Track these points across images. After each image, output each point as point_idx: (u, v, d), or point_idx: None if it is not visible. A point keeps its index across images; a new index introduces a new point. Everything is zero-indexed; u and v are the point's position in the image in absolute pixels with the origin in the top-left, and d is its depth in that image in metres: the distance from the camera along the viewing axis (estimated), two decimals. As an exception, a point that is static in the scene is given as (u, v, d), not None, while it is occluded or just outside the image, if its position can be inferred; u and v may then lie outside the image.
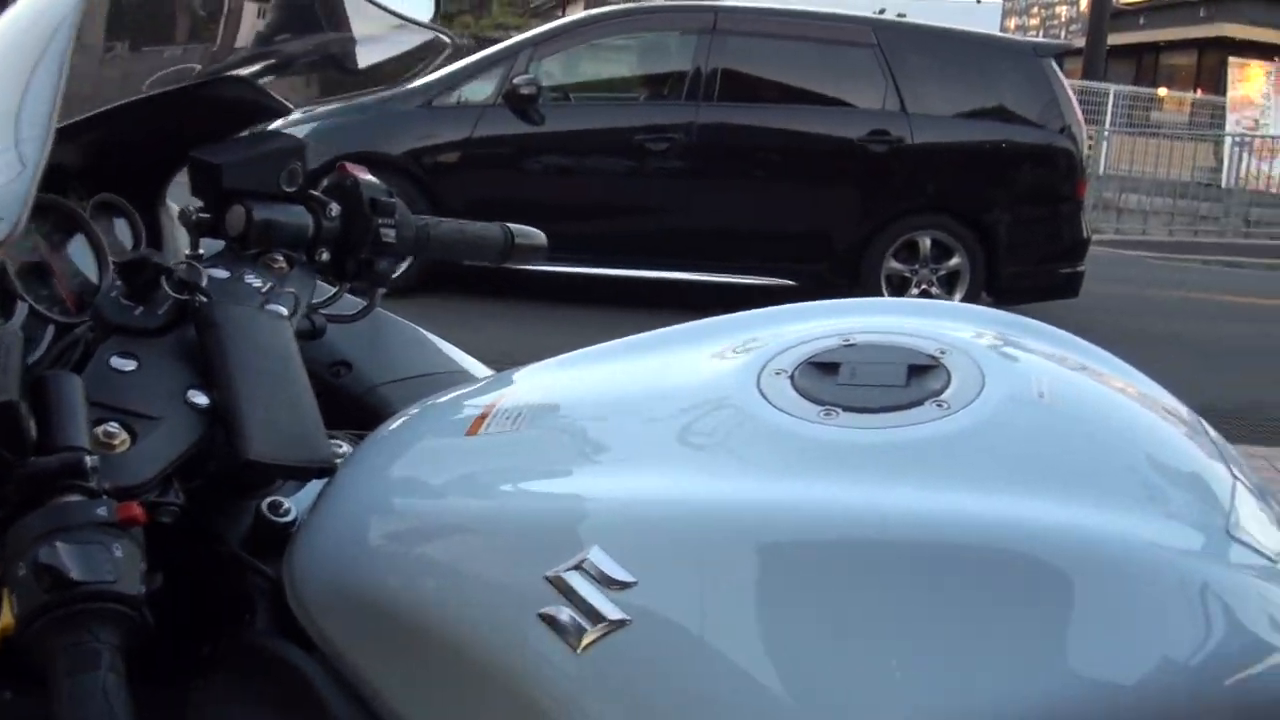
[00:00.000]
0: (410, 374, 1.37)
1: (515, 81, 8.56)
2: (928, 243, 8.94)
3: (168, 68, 1.31)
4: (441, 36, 1.38)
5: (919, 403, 0.94)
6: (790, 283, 8.81)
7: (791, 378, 0.98)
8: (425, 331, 1.47)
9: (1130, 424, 1.00)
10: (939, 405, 0.93)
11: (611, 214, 8.89)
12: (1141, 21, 34.98)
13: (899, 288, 8.90)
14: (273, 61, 1.37)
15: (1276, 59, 25.20)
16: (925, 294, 8.83)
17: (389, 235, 1.30)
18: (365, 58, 1.42)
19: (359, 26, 1.36)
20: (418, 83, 9.12)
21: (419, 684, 0.90)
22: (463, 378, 1.36)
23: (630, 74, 9.98)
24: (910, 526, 0.84)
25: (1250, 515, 0.92)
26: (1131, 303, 11.49)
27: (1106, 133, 21.29)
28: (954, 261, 8.92)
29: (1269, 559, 0.89)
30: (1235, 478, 0.96)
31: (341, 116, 8.85)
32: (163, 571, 0.94)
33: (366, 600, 0.94)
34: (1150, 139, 21.45)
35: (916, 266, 8.93)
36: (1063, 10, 39.07)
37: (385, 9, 1.33)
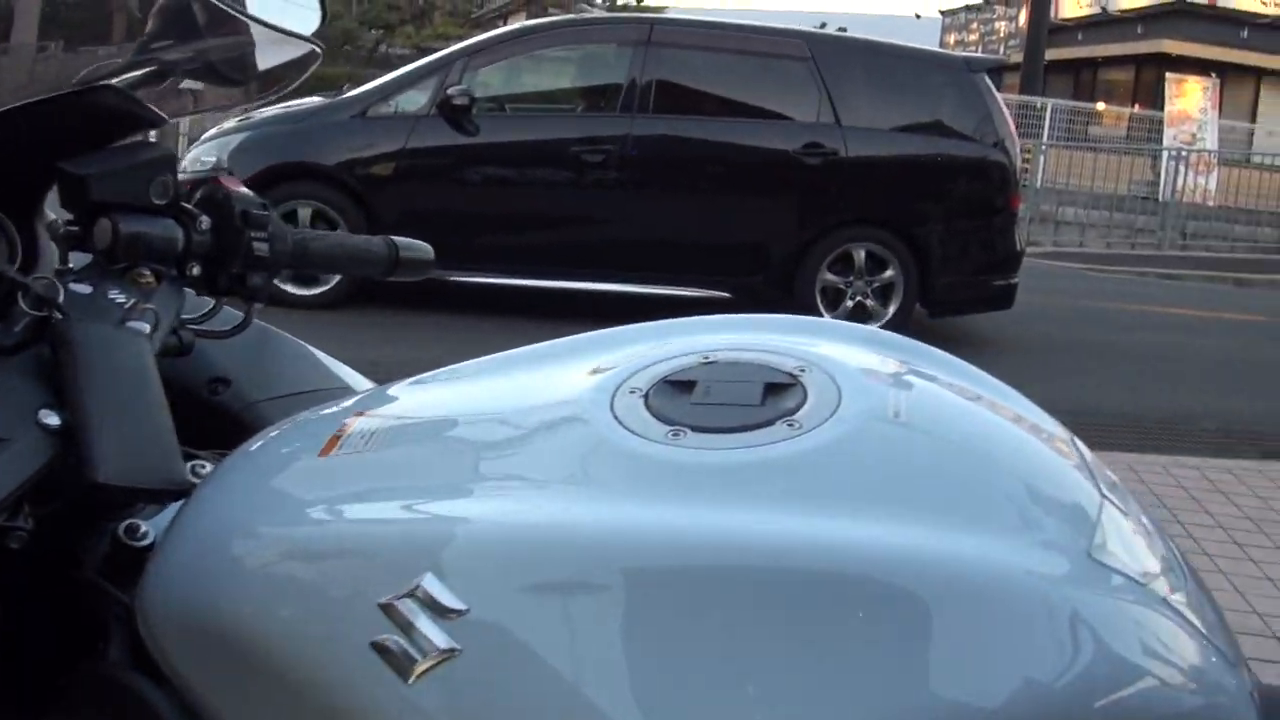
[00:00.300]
0: (290, 391, 1.34)
1: (449, 92, 8.51)
2: (862, 255, 8.96)
3: (41, 74, 1.28)
4: (315, 49, 1.35)
5: (770, 422, 0.92)
6: (725, 294, 8.83)
7: (645, 397, 0.96)
8: (309, 347, 1.44)
9: (992, 444, 0.98)
10: (790, 425, 0.91)
11: (547, 226, 8.86)
12: (1080, 37, 35.31)
13: (834, 299, 8.93)
14: (150, 70, 1.33)
15: (1214, 74, 25.50)
16: (860, 305, 8.89)
17: (261, 249, 1.26)
18: (244, 69, 1.39)
19: (239, 37, 1.33)
20: (352, 92, 9.10)
21: (262, 717, 0.88)
22: (344, 394, 1.33)
23: (565, 85, 9.93)
24: (748, 550, 0.82)
25: (1117, 536, 0.91)
26: (1068, 314, 11.59)
27: (1044, 146, 21.47)
28: (888, 273, 8.95)
29: (1135, 580, 0.87)
30: (1104, 497, 0.95)
31: (274, 126, 8.82)
32: (13, 599, 0.91)
33: (211, 629, 0.91)
34: (1088, 153, 21.66)
35: (851, 278, 8.95)
36: (1001, 26, 39.35)
37: (264, 23, 1.30)
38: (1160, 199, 21.06)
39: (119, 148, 1.28)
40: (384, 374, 1.44)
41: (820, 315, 8.53)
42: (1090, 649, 0.81)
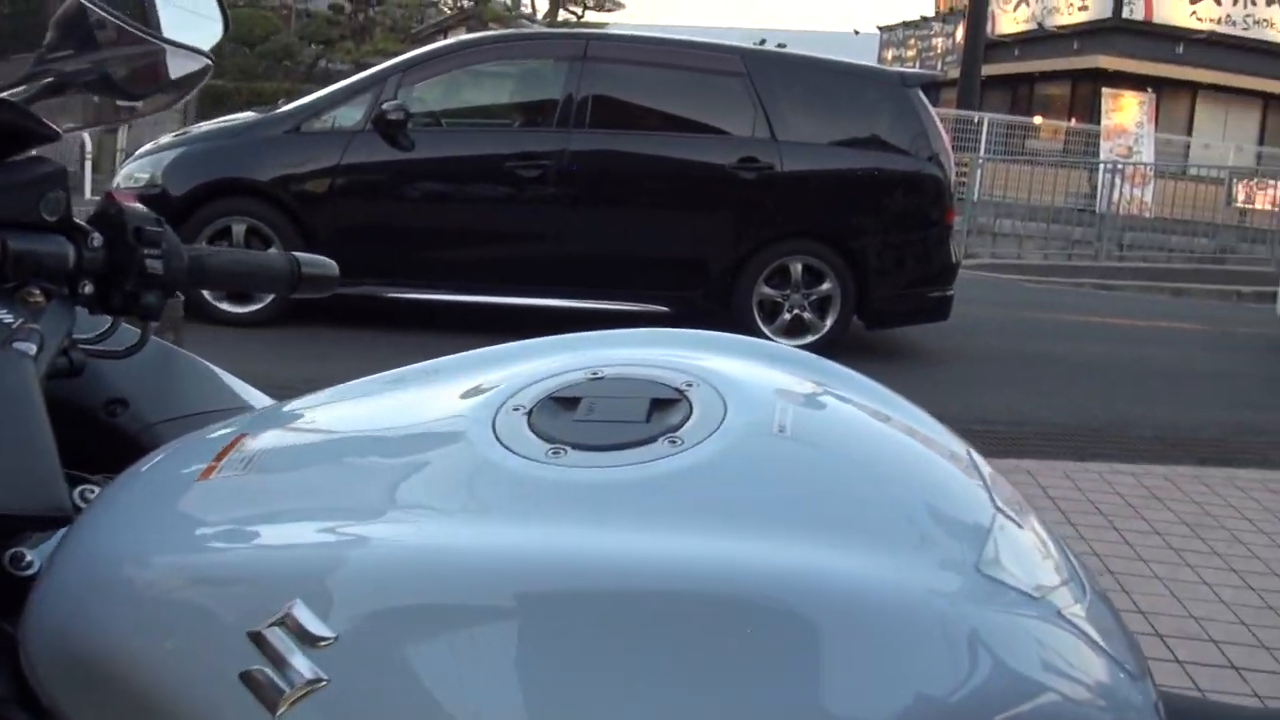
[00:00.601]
0: (190, 411, 1.30)
1: (383, 107, 8.45)
2: (799, 268, 8.96)
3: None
4: (209, 62, 1.33)
5: (653, 439, 0.89)
6: (664, 309, 8.81)
7: (529, 415, 0.93)
8: (213, 366, 1.41)
9: (881, 459, 0.97)
10: (671, 442, 0.89)
11: (484, 241, 8.81)
12: (1017, 53, 35.58)
13: (771, 312, 8.93)
14: (44, 83, 1.31)
15: (1150, 89, 25.81)
16: (797, 319, 8.90)
17: (155, 266, 1.23)
18: (140, 81, 1.36)
19: (134, 49, 1.31)
20: (286, 108, 9.03)
21: None
22: (240, 414, 1.30)
23: (501, 100, 9.89)
24: (620, 569, 0.79)
25: (1011, 551, 0.90)
26: (1005, 325, 11.67)
27: (981, 160, 21.64)
28: (825, 286, 8.95)
29: (1029, 594, 0.86)
30: (998, 512, 0.93)
31: (209, 141, 8.77)
32: None
33: (87, 660, 0.87)
34: (1025, 166, 21.85)
35: (788, 292, 8.95)
36: (939, 42, 39.62)
37: (158, 38, 1.28)
38: (1097, 211, 21.27)
39: (10, 164, 1.25)
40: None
41: (758, 328, 8.55)
42: (984, 665, 0.80)
